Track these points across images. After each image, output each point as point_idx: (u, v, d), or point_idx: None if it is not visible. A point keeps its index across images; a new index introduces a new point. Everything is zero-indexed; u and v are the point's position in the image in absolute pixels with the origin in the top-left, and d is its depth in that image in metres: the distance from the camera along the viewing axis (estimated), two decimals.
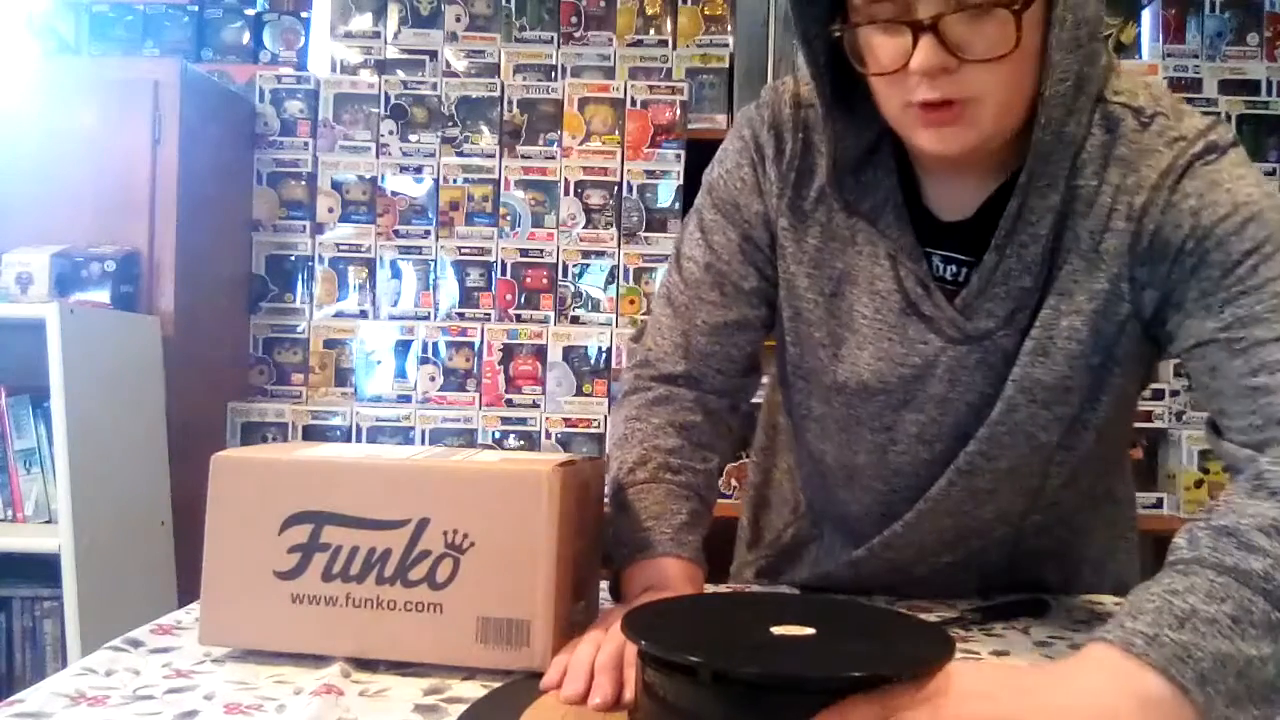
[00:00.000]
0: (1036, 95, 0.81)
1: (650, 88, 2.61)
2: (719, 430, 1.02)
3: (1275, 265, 0.78)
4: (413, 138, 2.62)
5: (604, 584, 0.95)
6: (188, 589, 2.16)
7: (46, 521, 2.00)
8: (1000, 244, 0.87)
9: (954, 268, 0.91)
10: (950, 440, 0.95)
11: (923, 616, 0.95)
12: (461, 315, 2.61)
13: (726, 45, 2.66)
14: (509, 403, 2.55)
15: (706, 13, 2.68)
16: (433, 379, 2.57)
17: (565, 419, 2.51)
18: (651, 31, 2.71)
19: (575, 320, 2.59)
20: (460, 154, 2.61)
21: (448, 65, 2.72)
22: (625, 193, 2.57)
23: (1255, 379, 0.76)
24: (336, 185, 2.63)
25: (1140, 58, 2.57)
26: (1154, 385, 2.36)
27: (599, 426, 2.48)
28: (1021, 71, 0.80)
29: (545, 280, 2.60)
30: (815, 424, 1.02)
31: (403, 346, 2.59)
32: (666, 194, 2.56)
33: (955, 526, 1.00)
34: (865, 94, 0.87)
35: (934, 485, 0.96)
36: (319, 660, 0.79)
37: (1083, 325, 0.87)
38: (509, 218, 2.61)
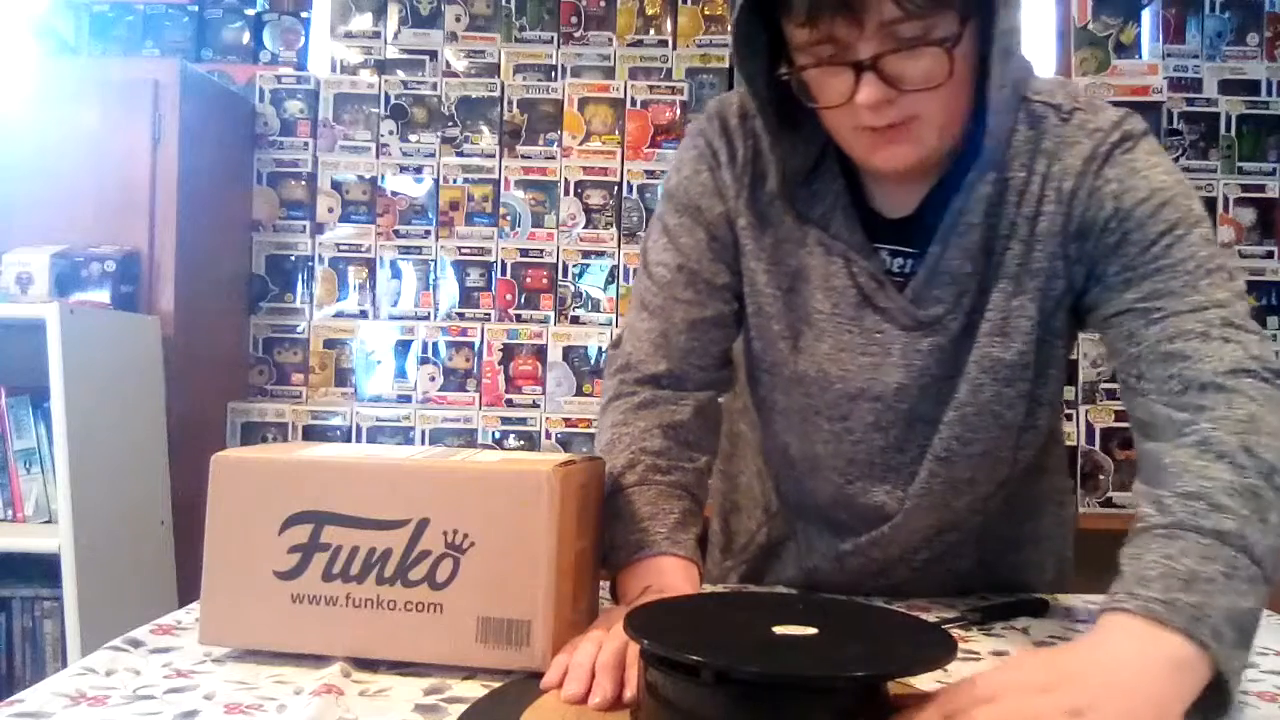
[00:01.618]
0: (970, 106, 0.90)
1: (650, 88, 2.61)
2: (706, 425, 1.03)
3: (1186, 245, 0.87)
4: (413, 138, 2.62)
5: (603, 584, 0.95)
6: (188, 589, 2.16)
7: (46, 521, 2.00)
8: (944, 236, 0.93)
9: (901, 260, 0.97)
10: (903, 427, 0.99)
11: (923, 616, 0.96)
12: (461, 315, 2.61)
13: (726, 45, 2.66)
14: (509, 403, 2.55)
15: (706, 13, 2.69)
16: (433, 379, 2.57)
17: (565, 419, 2.52)
18: (651, 31, 2.71)
19: (575, 320, 2.59)
20: (460, 154, 2.62)
21: (448, 65, 2.72)
22: (625, 193, 2.57)
23: (1171, 345, 0.85)
24: (336, 185, 2.63)
25: (1140, 57, 2.57)
26: None
27: None
28: (957, 91, 0.87)
29: (545, 280, 2.60)
30: (780, 416, 1.06)
31: (403, 346, 2.59)
32: None
33: (938, 521, 1.04)
34: (808, 111, 0.92)
35: (915, 481, 1.00)
36: (319, 660, 0.79)
37: (1030, 303, 0.94)
38: (509, 218, 2.61)
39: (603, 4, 2.72)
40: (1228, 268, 0.87)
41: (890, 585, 1.08)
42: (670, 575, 0.89)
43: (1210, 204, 2.54)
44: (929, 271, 0.94)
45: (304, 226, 2.63)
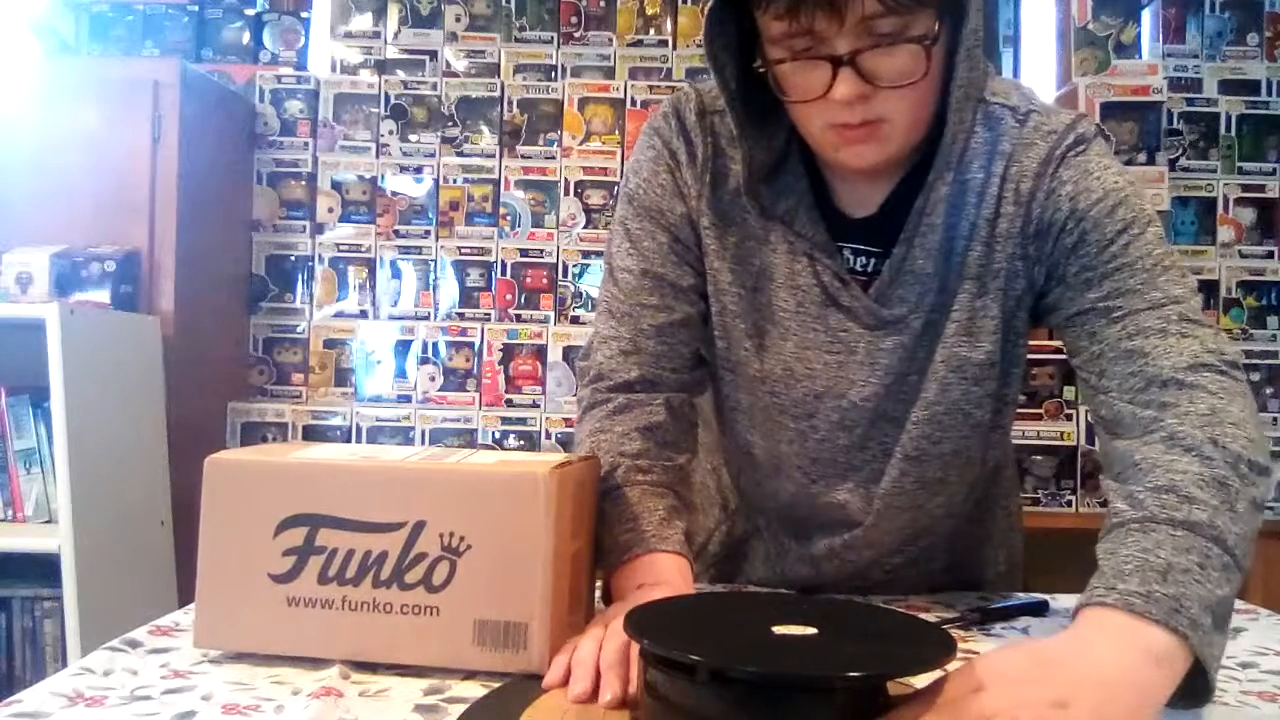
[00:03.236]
0: (937, 106, 0.91)
1: (650, 88, 2.61)
2: (682, 426, 1.03)
3: (1142, 244, 0.89)
4: (413, 138, 2.62)
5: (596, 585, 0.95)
6: (188, 589, 2.15)
7: (46, 521, 2.00)
8: (908, 237, 0.94)
9: (864, 259, 0.97)
10: (867, 425, 1.00)
11: (923, 616, 0.95)
12: (461, 315, 2.60)
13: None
14: (509, 403, 2.55)
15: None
16: (433, 379, 2.57)
17: (565, 419, 2.51)
18: (651, 31, 2.71)
19: (575, 320, 2.59)
20: (460, 154, 2.61)
21: (448, 65, 2.72)
22: None
23: (1131, 342, 0.87)
24: (336, 185, 2.63)
25: (1140, 57, 2.57)
26: None
27: None
28: (928, 90, 0.88)
29: (545, 280, 2.60)
30: (743, 415, 1.06)
31: (403, 346, 2.59)
32: None
33: (911, 523, 1.04)
34: (772, 106, 0.92)
35: (885, 480, 1.00)
36: (317, 661, 0.78)
37: (993, 303, 0.95)
38: (509, 218, 2.61)
39: (603, 4, 2.71)
40: (1179, 265, 0.90)
41: (865, 587, 1.09)
42: (662, 570, 0.89)
43: (1210, 204, 2.54)
44: (894, 271, 0.95)
45: (304, 226, 2.63)
